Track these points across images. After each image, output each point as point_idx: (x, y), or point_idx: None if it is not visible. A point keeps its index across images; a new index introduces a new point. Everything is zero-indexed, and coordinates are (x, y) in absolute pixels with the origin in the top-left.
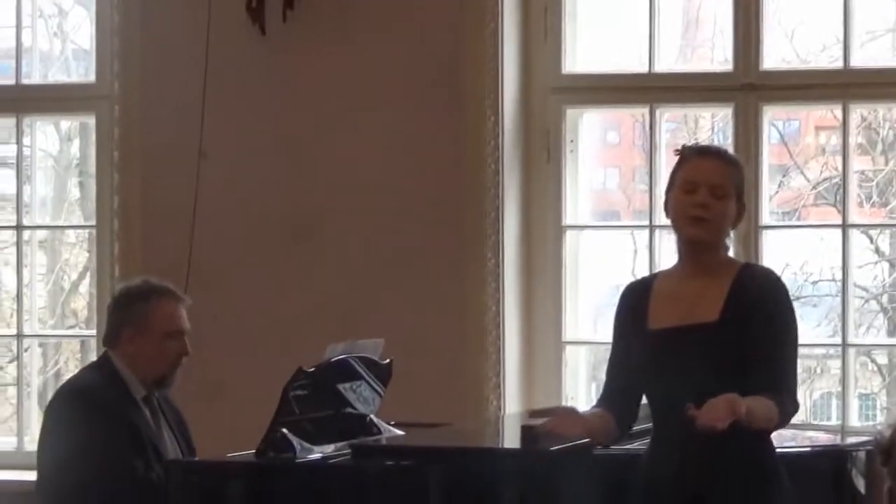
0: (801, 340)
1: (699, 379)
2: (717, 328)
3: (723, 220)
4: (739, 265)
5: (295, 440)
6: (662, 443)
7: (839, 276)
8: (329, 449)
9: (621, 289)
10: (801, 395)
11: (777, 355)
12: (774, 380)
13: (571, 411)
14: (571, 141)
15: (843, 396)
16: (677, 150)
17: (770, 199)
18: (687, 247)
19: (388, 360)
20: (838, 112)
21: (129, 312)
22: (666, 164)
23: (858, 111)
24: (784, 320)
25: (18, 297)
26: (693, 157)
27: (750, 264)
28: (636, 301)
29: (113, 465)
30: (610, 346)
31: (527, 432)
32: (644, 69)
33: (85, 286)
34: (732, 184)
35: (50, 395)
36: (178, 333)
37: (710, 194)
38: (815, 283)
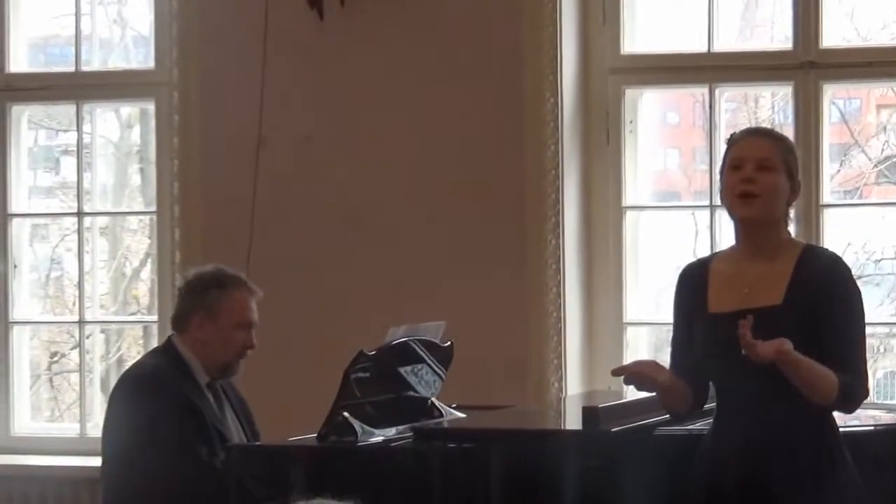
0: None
1: (761, 363)
2: (780, 312)
3: (773, 194)
4: (801, 246)
5: (356, 423)
6: (725, 425)
7: None
8: (391, 432)
9: (679, 270)
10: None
11: (845, 341)
12: (842, 364)
13: (650, 363)
14: (631, 121)
15: None
16: (728, 140)
17: (831, 179)
18: (742, 228)
19: (448, 343)
20: None
21: (202, 298)
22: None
23: None
24: (851, 305)
25: (80, 283)
26: (741, 138)
27: (812, 246)
28: (695, 283)
29: (178, 450)
30: (672, 328)
31: (588, 413)
32: (703, 48)
33: (146, 272)
34: (780, 157)
35: (112, 382)
36: (248, 325)
37: (757, 168)
38: (877, 261)
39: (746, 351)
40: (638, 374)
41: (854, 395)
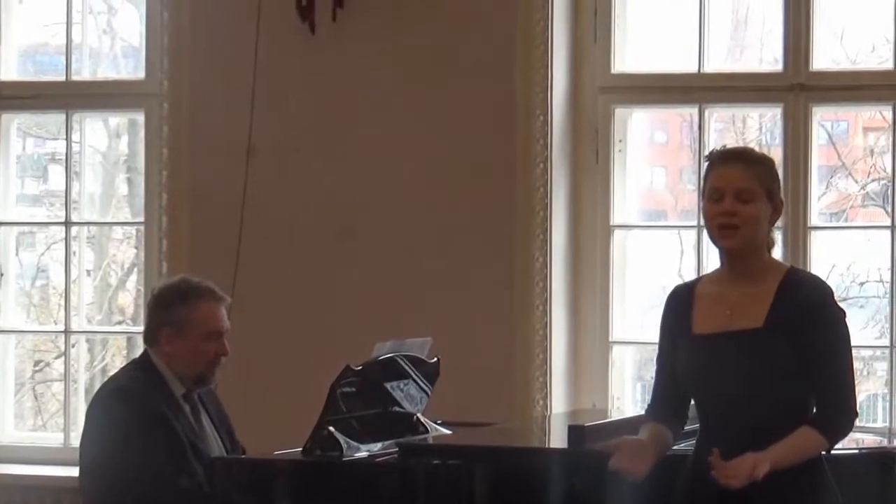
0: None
1: (743, 385)
2: (761, 335)
3: (754, 224)
4: (784, 270)
5: (342, 438)
6: (707, 446)
7: (886, 277)
8: (376, 447)
9: (667, 291)
10: None
11: (829, 367)
12: (827, 394)
13: (636, 446)
14: (620, 141)
15: (890, 398)
16: (706, 157)
17: (818, 200)
18: (727, 255)
19: (435, 359)
20: (888, 113)
21: (167, 313)
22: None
23: None
24: (835, 330)
25: (66, 293)
26: (717, 164)
27: (795, 269)
28: (681, 305)
29: (147, 468)
30: (657, 349)
31: (574, 431)
32: (693, 69)
33: (132, 282)
34: (759, 184)
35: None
36: (217, 335)
37: (737, 200)
38: (862, 284)
39: (718, 477)
40: (617, 470)
41: (840, 431)
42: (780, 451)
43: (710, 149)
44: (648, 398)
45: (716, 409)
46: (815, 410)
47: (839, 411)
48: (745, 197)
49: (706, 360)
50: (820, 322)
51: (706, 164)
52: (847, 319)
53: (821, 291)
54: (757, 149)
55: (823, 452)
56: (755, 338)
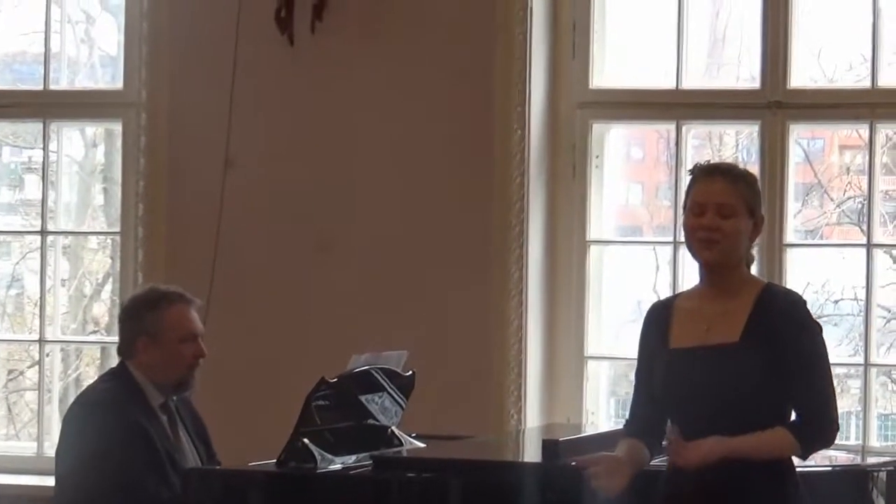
0: None
1: (718, 399)
2: (737, 349)
3: (734, 239)
4: (761, 285)
5: (316, 450)
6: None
7: (861, 295)
8: (350, 460)
9: (645, 307)
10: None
11: (807, 378)
12: (806, 405)
13: (613, 461)
14: (597, 156)
15: (864, 416)
16: (690, 171)
17: (794, 218)
18: (706, 269)
19: (410, 372)
20: (864, 132)
21: (140, 323)
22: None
23: (884, 131)
24: (811, 343)
25: (42, 302)
26: (700, 178)
27: (772, 284)
28: (659, 320)
29: (125, 480)
30: (635, 364)
31: (548, 446)
32: (671, 85)
33: (106, 292)
34: (741, 200)
35: (70, 401)
36: (192, 336)
37: (718, 214)
38: (836, 301)
39: (672, 456)
40: (594, 483)
41: (818, 438)
42: (745, 441)
43: (687, 165)
44: (625, 413)
45: (690, 423)
46: (795, 420)
47: (819, 420)
48: (725, 212)
49: (682, 374)
50: (797, 335)
51: (689, 177)
52: (823, 334)
53: (797, 305)
54: None
55: (797, 462)
56: (731, 352)
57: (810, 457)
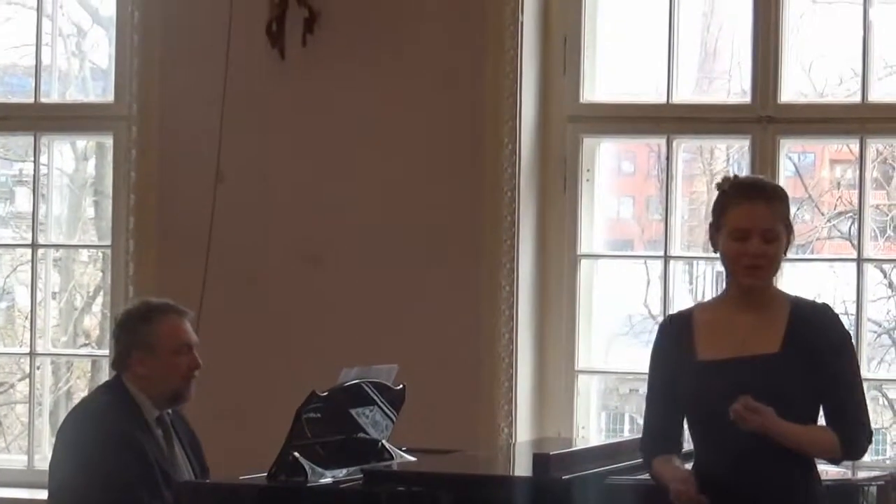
0: None
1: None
2: (778, 359)
3: (778, 262)
4: (791, 298)
5: (306, 464)
6: (710, 468)
7: (852, 309)
8: (340, 473)
9: (636, 321)
10: None
11: (844, 390)
12: (844, 413)
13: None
14: (588, 170)
15: None
16: (718, 185)
17: None
18: (742, 289)
19: (400, 386)
20: (855, 146)
21: (134, 336)
22: (681, 194)
23: (875, 146)
24: (848, 353)
25: (32, 315)
26: (740, 200)
27: (800, 297)
28: (679, 333)
29: (118, 493)
30: (629, 379)
31: (539, 459)
32: (662, 100)
33: (97, 305)
34: (781, 222)
35: (61, 414)
36: (186, 348)
37: (762, 240)
38: None
39: (735, 418)
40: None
41: (856, 447)
42: (795, 429)
43: (678, 179)
44: (616, 427)
45: (726, 432)
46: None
47: (859, 432)
48: (769, 237)
49: (718, 385)
50: (840, 349)
51: (720, 193)
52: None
53: (838, 321)
54: None
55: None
56: (772, 362)
57: None
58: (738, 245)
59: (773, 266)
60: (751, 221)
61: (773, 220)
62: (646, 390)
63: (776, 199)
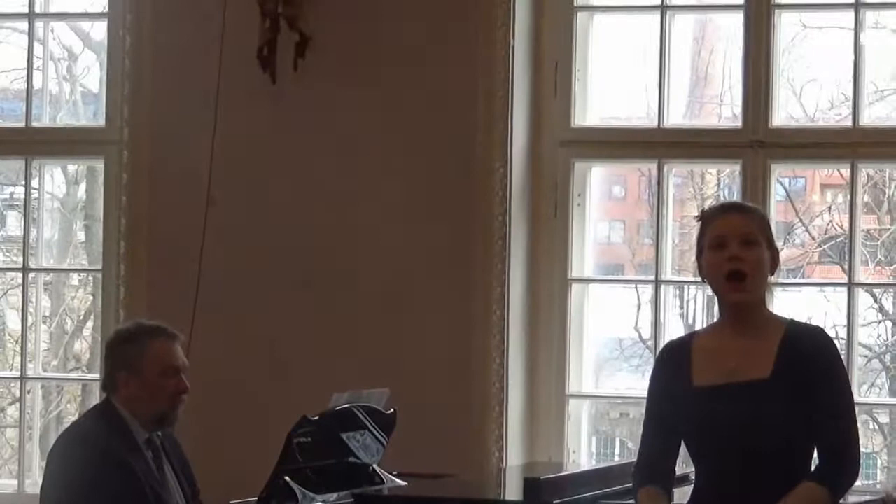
0: None
1: (749, 434)
2: (768, 385)
3: (760, 270)
4: (786, 322)
5: (297, 488)
6: (710, 494)
7: (843, 334)
8: (331, 498)
9: (626, 345)
10: None
11: (837, 420)
12: (834, 445)
13: None
14: (579, 194)
15: None
16: (698, 216)
17: None
18: (732, 310)
19: (392, 410)
20: (846, 171)
21: (121, 356)
22: (672, 218)
23: (866, 170)
24: (840, 379)
25: (23, 339)
26: (717, 216)
27: (796, 321)
28: (676, 360)
29: None
30: (619, 403)
31: (530, 484)
32: (653, 124)
33: (88, 329)
34: (759, 230)
35: (51, 438)
36: (174, 371)
37: (741, 244)
38: None
39: None
40: None
41: (846, 484)
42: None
43: (670, 203)
44: (607, 451)
45: (721, 458)
46: (819, 463)
47: (846, 464)
48: (749, 239)
49: (711, 412)
50: (830, 375)
51: (699, 222)
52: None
53: (827, 344)
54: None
55: None
56: (762, 388)
57: None
58: (717, 254)
59: (756, 274)
60: (727, 228)
61: (750, 226)
62: (640, 415)
63: (752, 212)
